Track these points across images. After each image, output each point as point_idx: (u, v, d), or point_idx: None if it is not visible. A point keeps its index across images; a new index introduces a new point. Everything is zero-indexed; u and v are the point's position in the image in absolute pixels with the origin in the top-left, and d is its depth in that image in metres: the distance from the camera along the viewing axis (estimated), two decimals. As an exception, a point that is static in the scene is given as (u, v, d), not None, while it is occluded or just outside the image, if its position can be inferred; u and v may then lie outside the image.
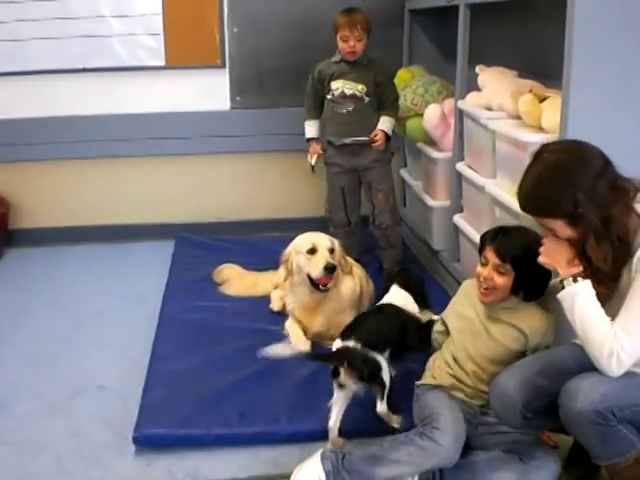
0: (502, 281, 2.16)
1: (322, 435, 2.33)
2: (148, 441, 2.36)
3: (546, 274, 2.11)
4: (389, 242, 3.65)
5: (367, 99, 3.49)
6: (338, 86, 3.49)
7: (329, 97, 3.54)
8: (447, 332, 2.36)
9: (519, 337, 2.19)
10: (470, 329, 2.27)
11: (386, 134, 3.49)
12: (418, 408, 2.26)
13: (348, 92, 3.48)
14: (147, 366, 2.75)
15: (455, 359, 2.26)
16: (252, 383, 2.63)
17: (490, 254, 2.18)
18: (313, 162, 3.58)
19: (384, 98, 3.52)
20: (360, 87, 3.46)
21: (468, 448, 2.15)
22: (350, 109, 3.49)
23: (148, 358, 2.82)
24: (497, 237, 2.20)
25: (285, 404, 2.50)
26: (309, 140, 3.63)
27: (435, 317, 2.49)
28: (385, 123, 3.49)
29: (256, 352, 2.78)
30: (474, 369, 2.23)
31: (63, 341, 3.09)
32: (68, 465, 2.28)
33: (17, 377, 2.80)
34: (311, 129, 3.63)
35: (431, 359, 2.37)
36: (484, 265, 2.20)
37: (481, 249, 2.24)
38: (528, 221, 2.61)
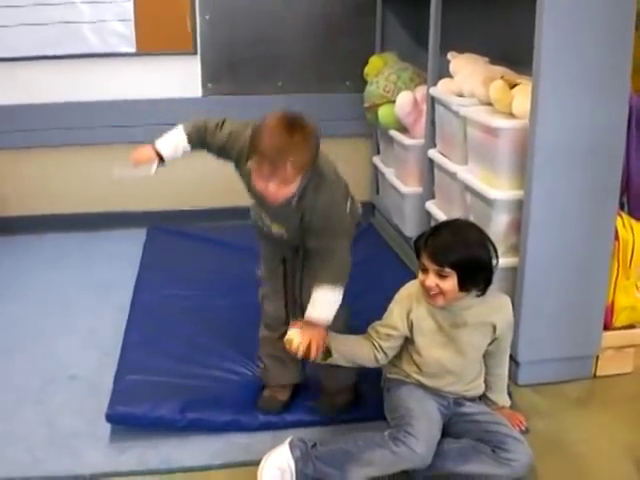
0: (447, 285, 2.06)
1: (295, 424, 2.37)
2: (121, 420, 2.35)
3: (488, 262, 2.08)
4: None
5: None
6: (256, 210, 2.33)
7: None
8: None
9: (489, 330, 2.19)
10: (436, 341, 2.18)
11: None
12: (390, 403, 2.24)
13: (273, 231, 2.29)
14: (118, 354, 2.74)
15: (424, 370, 2.20)
16: (225, 371, 2.63)
17: (427, 261, 2.07)
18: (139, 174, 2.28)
19: (318, 254, 2.17)
20: (283, 230, 2.26)
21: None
22: (284, 237, 2.28)
23: (120, 347, 2.80)
24: (428, 241, 2.09)
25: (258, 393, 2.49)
26: (154, 148, 2.31)
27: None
28: (320, 305, 2.16)
29: (229, 341, 2.80)
30: (450, 378, 2.20)
31: (33, 331, 3.06)
32: (40, 455, 2.26)
33: (-13, 367, 2.78)
34: (173, 147, 2.33)
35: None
36: (425, 272, 2.09)
37: (417, 255, 2.13)
38: (501, 208, 2.64)
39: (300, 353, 2.15)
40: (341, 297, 2.17)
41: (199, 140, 2.29)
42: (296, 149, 1.94)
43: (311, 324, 2.15)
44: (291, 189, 2.01)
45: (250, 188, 2.15)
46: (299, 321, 2.19)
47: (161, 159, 2.30)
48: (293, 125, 1.96)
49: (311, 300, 2.17)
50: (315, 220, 2.11)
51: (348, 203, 2.25)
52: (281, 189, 1.99)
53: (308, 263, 2.26)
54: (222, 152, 2.25)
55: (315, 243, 2.16)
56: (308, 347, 2.14)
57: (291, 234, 2.24)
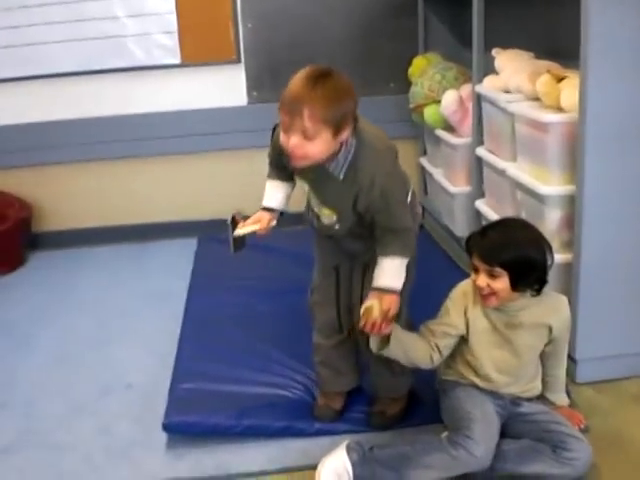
0: (499, 285, 2.03)
1: (352, 430, 2.35)
2: (178, 429, 2.37)
3: (540, 261, 2.04)
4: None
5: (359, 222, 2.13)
6: (307, 198, 2.27)
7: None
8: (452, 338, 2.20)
9: (544, 331, 2.15)
10: (490, 342, 2.16)
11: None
12: (447, 405, 2.22)
13: (324, 221, 2.20)
14: (174, 363, 2.76)
15: (480, 372, 2.18)
16: (280, 377, 2.64)
17: (477, 261, 2.06)
18: (244, 231, 2.23)
19: (379, 231, 2.09)
20: (335, 217, 2.15)
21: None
22: (336, 227, 2.18)
23: (174, 355, 2.82)
24: (478, 240, 2.09)
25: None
26: (264, 209, 2.27)
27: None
28: (389, 273, 2.10)
29: (283, 347, 2.81)
30: (506, 379, 2.18)
31: (90, 341, 3.10)
32: (98, 463, 2.29)
33: (45, 378, 2.82)
34: (272, 194, 2.28)
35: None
36: (476, 272, 2.08)
37: (469, 255, 2.12)
38: (553, 203, 2.59)
39: (379, 320, 2.04)
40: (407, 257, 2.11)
41: (279, 167, 2.21)
42: (314, 100, 1.83)
43: (384, 292, 2.08)
44: (316, 148, 1.90)
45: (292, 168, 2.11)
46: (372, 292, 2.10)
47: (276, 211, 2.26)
48: (317, 77, 1.86)
49: (378, 269, 2.10)
50: (373, 200, 2.02)
51: (409, 195, 2.23)
52: (303, 145, 1.88)
53: (368, 277, 2.17)
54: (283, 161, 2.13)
55: (379, 223, 2.07)
56: (384, 320, 2.06)
57: (343, 223, 2.14)
